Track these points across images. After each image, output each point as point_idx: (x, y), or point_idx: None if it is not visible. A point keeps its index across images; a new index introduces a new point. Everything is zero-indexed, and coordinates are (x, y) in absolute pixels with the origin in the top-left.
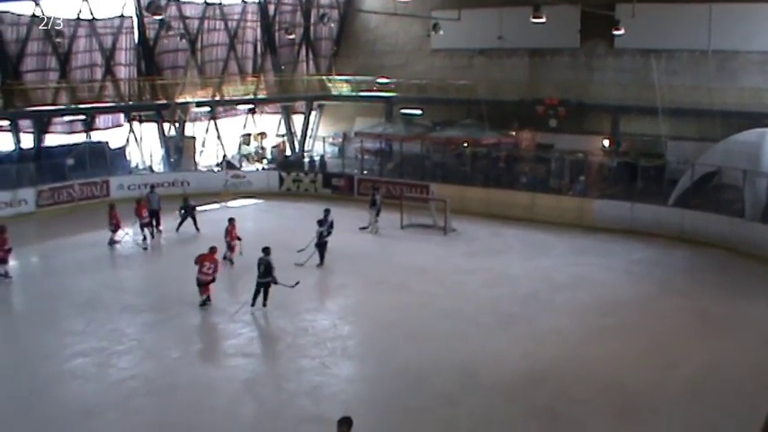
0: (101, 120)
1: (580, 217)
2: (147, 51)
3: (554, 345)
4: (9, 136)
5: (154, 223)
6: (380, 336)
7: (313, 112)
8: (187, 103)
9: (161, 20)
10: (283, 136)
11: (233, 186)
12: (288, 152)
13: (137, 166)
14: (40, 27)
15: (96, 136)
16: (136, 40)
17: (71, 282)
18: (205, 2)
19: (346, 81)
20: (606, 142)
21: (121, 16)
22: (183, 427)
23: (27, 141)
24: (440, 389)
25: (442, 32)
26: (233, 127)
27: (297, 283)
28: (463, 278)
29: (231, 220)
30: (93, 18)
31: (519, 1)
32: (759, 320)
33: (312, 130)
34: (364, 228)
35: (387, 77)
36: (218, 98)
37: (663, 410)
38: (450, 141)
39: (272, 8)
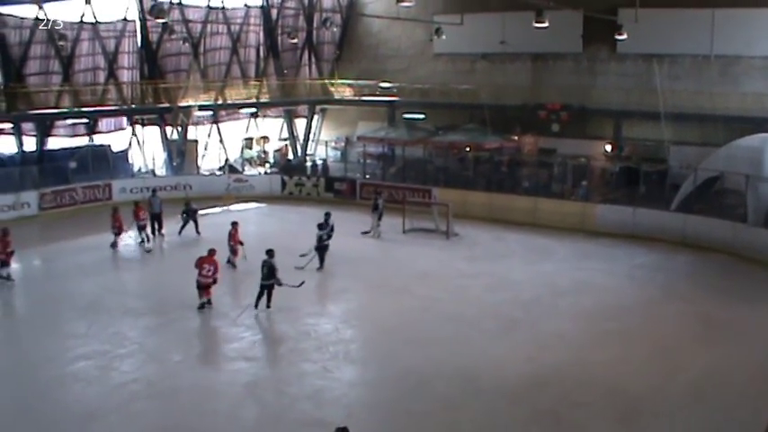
0: (103, 123)
1: (582, 222)
2: (149, 55)
3: (556, 349)
4: (12, 139)
5: (156, 227)
6: (382, 340)
7: (315, 116)
8: (190, 106)
9: (164, 23)
10: (286, 140)
11: (235, 190)
12: (290, 156)
13: (139, 170)
14: (43, 30)
15: (99, 139)
16: (139, 44)
17: (73, 285)
18: (208, 5)
19: (349, 85)
20: (609, 147)
21: (124, 20)
22: (185, 430)
23: (30, 144)
24: (442, 393)
25: (444, 37)
26: (235, 131)
27: (302, 283)
28: (465, 282)
29: (234, 224)
30: (96, 21)
31: (521, 6)
32: (762, 325)
33: (314, 134)
34: (366, 232)
35: (389, 82)
36: (220, 102)
37: (665, 415)
38: (452, 146)
39: (274, 12)
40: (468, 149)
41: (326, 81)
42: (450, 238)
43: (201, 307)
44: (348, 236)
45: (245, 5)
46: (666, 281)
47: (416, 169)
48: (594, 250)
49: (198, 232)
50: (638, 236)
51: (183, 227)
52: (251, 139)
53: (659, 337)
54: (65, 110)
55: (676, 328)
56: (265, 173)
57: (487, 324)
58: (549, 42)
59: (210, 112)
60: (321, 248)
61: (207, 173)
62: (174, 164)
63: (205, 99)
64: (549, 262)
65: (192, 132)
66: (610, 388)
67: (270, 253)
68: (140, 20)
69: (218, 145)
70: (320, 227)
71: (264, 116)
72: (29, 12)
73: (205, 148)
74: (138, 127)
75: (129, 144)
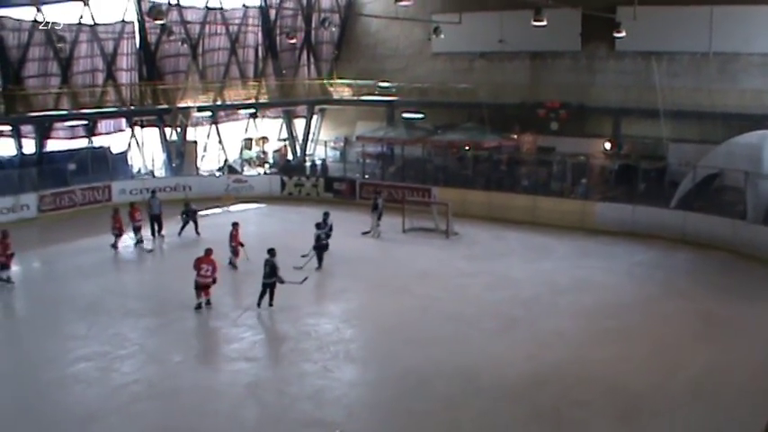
0: (102, 125)
1: (582, 220)
2: (148, 56)
3: (556, 347)
4: (11, 141)
5: (156, 228)
6: (383, 339)
7: (314, 117)
8: (188, 107)
9: (162, 24)
10: (285, 140)
11: (235, 191)
12: (289, 156)
13: (138, 171)
14: (42, 32)
15: (98, 141)
16: (137, 45)
17: (73, 286)
18: (206, 6)
19: (347, 85)
20: (608, 145)
21: (123, 21)
22: (186, 431)
23: (29, 147)
24: (442, 392)
25: (442, 36)
26: (234, 131)
27: (305, 279)
28: (465, 281)
29: (235, 225)
30: (95, 23)
31: (520, 4)
32: (762, 323)
33: (313, 134)
34: (366, 232)
35: (388, 81)
36: (219, 103)
37: (665, 413)
38: (451, 145)
39: (273, 12)
40: (467, 148)
41: (325, 81)
42: (449, 238)
43: (198, 307)
44: (348, 236)
45: (244, 6)
46: (666, 278)
47: (416, 169)
48: (594, 248)
49: (198, 233)
50: (637, 233)
51: (182, 228)
52: (250, 139)
53: (659, 334)
54: (64, 112)
55: (676, 325)
56: (265, 173)
57: (487, 323)
58: (547, 41)
59: (209, 113)
60: (319, 248)
61: (206, 174)
62: (174, 165)
63: (204, 100)
64: (548, 260)
65: (192, 133)
66: (610, 386)
67: (271, 252)
68: (139, 21)
69: (217, 146)
70: (318, 226)
71: (263, 117)
72: (27, 14)
73: (204, 149)
74: (137, 128)
75: (129, 145)
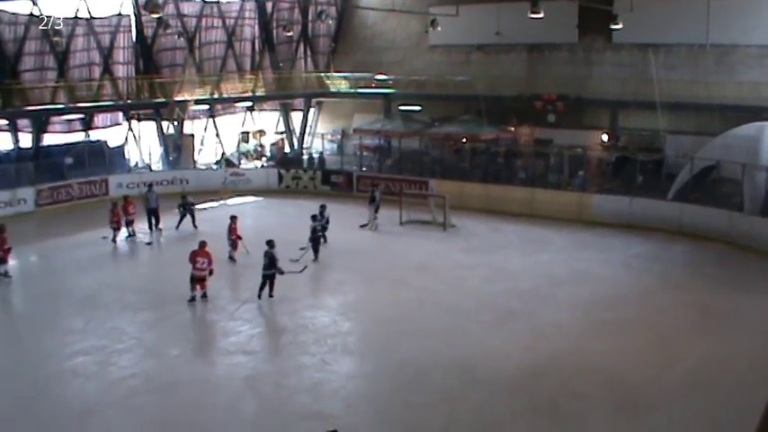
0: (99, 118)
1: (579, 212)
2: (145, 50)
3: (554, 339)
4: (8, 135)
5: (153, 221)
6: (380, 332)
7: (311, 110)
8: (185, 101)
9: (159, 18)
10: (282, 133)
11: (232, 184)
12: (287, 149)
13: (136, 165)
14: (38, 26)
15: (95, 135)
16: (134, 39)
17: (71, 280)
18: (203, 0)
19: (344, 78)
20: (605, 137)
21: (119, 15)
22: (184, 424)
23: (26, 141)
24: (440, 384)
25: (439, 28)
26: (231, 125)
27: (304, 268)
28: (463, 274)
29: (233, 218)
30: (91, 17)
31: None
32: (758, 314)
33: (311, 127)
34: (364, 225)
35: (385, 74)
36: (216, 96)
37: (663, 404)
38: (448, 137)
39: (269, 5)
40: (464, 141)
41: (322, 74)
42: (447, 230)
43: (192, 300)
44: (345, 228)
45: None
46: (663, 270)
47: (413, 161)
48: (591, 240)
49: (195, 226)
50: (634, 225)
51: (180, 221)
52: (247, 132)
53: (656, 326)
54: (60, 106)
55: (673, 317)
56: (262, 166)
57: (485, 315)
58: (544, 33)
59: (206, 107)
60: (315, 240)
61: (203, 167)
62: (171, 158)
63: (201, 93)
64: (546, 252)
65: (189, 127)
66: (607, 378)
67: (270, 243)
68: (135, 15)
69: (214, 139)
70: (313, 218)
71: (260, 110)
72: (23, 7)
73: (201, 143)
74: (134, 122)
75: (126, 139)
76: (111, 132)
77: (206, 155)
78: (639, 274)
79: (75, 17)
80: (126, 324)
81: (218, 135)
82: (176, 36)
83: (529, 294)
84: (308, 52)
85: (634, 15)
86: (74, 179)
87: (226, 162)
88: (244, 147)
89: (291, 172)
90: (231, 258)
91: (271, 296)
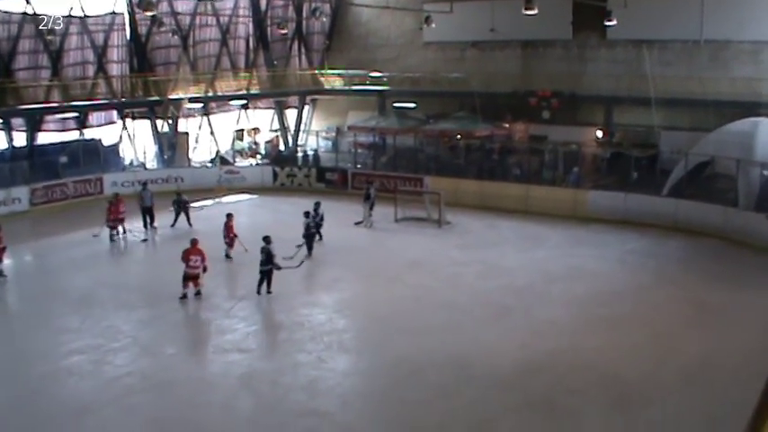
0: (93, 117)
1: (574, 208)
2: (139, 48)
3: (549, 336)
4: (2, 134)
5: (148, 220)
6: (376, 329)
7: (306, 107)
8: (180, 99)
9: (153, 16)
10: (276, 131)
11: (227, 182)
12: (281, 147)
13: (130, 163)
14: (32, 24)
15: (89, 133)
16: (128, 37)
17: (66, 279)
18: None
19: (339, 75)
20: (599, 133)
21: (113, 13)
22: (180, 422)
23: (20, 140)
24: (435, 381)
25: (434, 25)
26: (226, 123)
27: (301, 263)
28: (458, 270)
29: (229, 216)
30: (85, 15)
31: None
32: (753, 309)
33: (305, 124)
34: (359, 222)
35: (379, 71)
36: (210, 94)
37: (658, 400)
38: (443, 134)
39: (263, 3)
40: (459, 138)
41: (316, 71)
42: (442, 227)
43: (184, 297)
44: (340, 225)
45: None
46: (658, 266)
47: (408, 158)
48: (586, 236)
49: (190, 224)
50: (629, 221)
51: (175, 219)
52: (242, 130)
53: (651, 322)
54: (54, 104)
55: (668, 313)
56: (257, 164)
57: (480, 312)
58: (538, 29)
59: (201, 105)
60: (309, 236)
61: (198, 165)
62: (165, 157)
63: (195, 91)
64: (541, 249)
65: (183, 125)
66: (602, 374)
67: (267, 239)
68: (129, 13)
69: (208, 137)
70: (306, 215)
71: (255, 107)
72: (17, 6)
73: (196, 141)
74: (128, 120)
75: (120, 138)
76: (105, 131)
77: (200, 153)
78: (634, 270)
79: (69, 15)
80: (121, 322)
81: (212, 133)
82: (170, 34)
83: (524, 291)
84: (303, 50)
85: (628, 11)
86: (68, 178)
87: (220, 160)
88: (238, 144)
89: (286, 169)
90: (227, 256)
91: (269, 292)
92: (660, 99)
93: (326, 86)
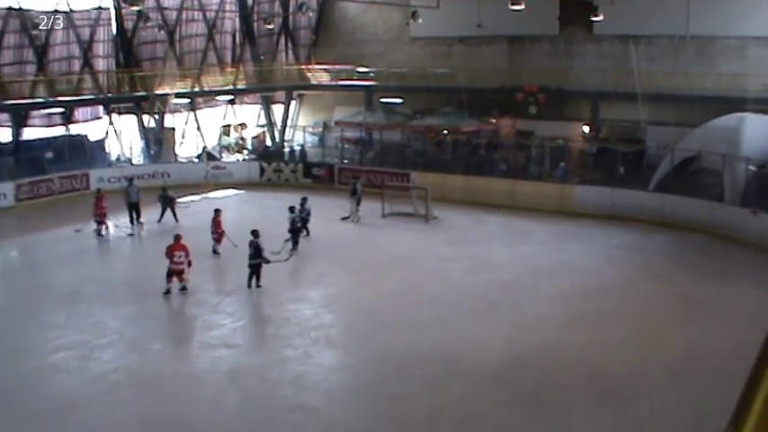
0: (79, 112)
1: (561, 203)
2: (125, 43)
3: (536, 331)
4: None
5: (134, 215)
6: (363, 324)
7: (293, 102)
8: (166, 94)
9: (139, 11)
10: (263, 126)
11: (213, 177)
12: (268, 142)
13: (117, 159)
14: (17, 19)
15: (75, 129)
16: (114, 32)
17: (52, 275)
18: None
19: (326, 70)
20: (586, 128)
21: (99, 8)
22: (168, 418)
23: (5, 135)
24: (423, 376)
25: (420, 21)
26: (213, 118)
27: (290, 257)
28: (445, 266)
29: (217, 211)
30: (71, 10)
31: None
32: (739, 303)
33: (292, 119)
34: (346, 217)
35: (366, 66)
36: (197, 89)
37: (645, 395)
38: (430, 129)
39: None
40: (445, 133)
41: (303, 67)
42: (429, 222)
43: (167, 292)
44: (327, 221)
45: None
46: (644, 261)
47: (394, 153)
48: (573, 231)
49: (176, 219)
50: (616, 216)
51: (162, 214)
52: (228, 125)
53: (638, 316)
54: (40, 100)
55: (655, 307)
56: (243, 160)
57: (467, 307)
58: (525, 25)
59: (187, 100)
60: (294, 231)
61: (185, 161)
62: (152, 152)
63: (182, 86)
64: (528, 244)
65: (170, 120)
66: (590, 369)
67: (255, 233)
68: (115, 8)
69: (195, 132)
70: (291, 210)
71: (241, 103)
72: (1, 1)
73: (182, 136)
74: (114, 116)
75: (106, 133)
76: (91, 126)
77: (187, 148)
78: (621, 265)
79: (55, 10)
80: (108, 318)
81: (199, 128)
82: (157, 29)
83: (511, 286)
84: (289, 45)
85: (615, 7)
86: (54, 173)
87: (207, 155)
88: (225, 140)
89: (273, 165)
90: (215, 252)
91: (259, 286)
92: (646, 94)
93: (313, 82)
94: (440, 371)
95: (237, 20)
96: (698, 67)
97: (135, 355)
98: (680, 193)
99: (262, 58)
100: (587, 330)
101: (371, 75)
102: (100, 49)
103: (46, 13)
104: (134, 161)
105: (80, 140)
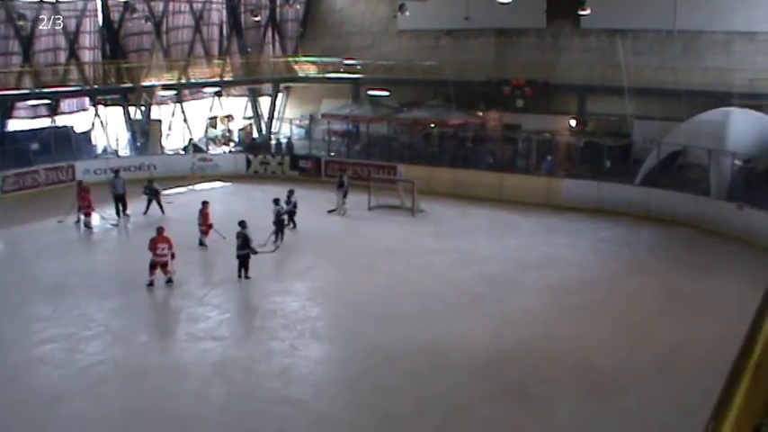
0: (65, 104)
1: (547, 196)
2: (111, 34)
3: (522, 324)
4: None
5: (120, 207)
6: (349, 317)
7: (280, 95)
8: (153, 86)
9: (125, 2)
10: (250, 118)
11: (200, 169)
12: (255, 135)
13: (103, 151)
14: (2, 10)
15: (61, 120)
16: (100, 23)
17: (37, 267)
18: None
19: (313, 63)
20: (573, 122)
21: None
22: (153, 410)
23: None
24: (409, 369)
25: (408, 13)
26: (199, 110)
27: (277, 248)
28: (431, 259)
29: (205, 203)
30: (57, 1)
31: None
32: (724, 296)
33: (279, 112)
34: (332, 210)
35: (353, 59)
36: (183, 81)
37: (631, 388)
38: (417, 122)
39: None
40: (432, 126)
41: (290, 59)
42: (415, 215)
43: (151, 284)
44: (313, 213)
45: None
46: (631, 254)
47: (381, 146)
48: (560, 225)
49: (162, 212)
50: (602, 210)
51: (147, 206)
52: (215, 118)
53: (624, 310)
54: (26, 91)
55: (641, 300)
56: (230, 152)
57: (453, 300)
58: (512, 18)
59: (174, 92)
60: (279, 223)
61: (171, 152)
62: (138, 144)
63: (168, 78)
64: (514, 237)
65: (156, 112)
66: (576, 362)
67: (242, 224)
68: None
69: (182, 124)
70: (276, 202)
71: (228, 95)
72: None
73: (169, 128)
74: (100, 107)
75: (92, 125)
76: (77, 118)
77: (173, 140)
78: (607, 259)
79: (41, 1)
80: (94, 311)
81: (185, 120)
82: (143, 20)
83: (497, 279)
84: (276, 37)
85: (602, 1)
86: (40, 165)
87: (194, 147)
88: (212, 132)
89: (260, 157)
90: (201, 244)
91: (247, 277)
92: (633, 88)
93: (300, 74)
94: (426, 363)
95: (225, 12)
96: (684, 61)
97: (121, 347)
98: (666, 188)
99: (249, 50)
100: (573, 324)
101: (359, 67)
102: (86, 40)
103: (32, 3)
104: (120, 153)
105: (66, 132)
